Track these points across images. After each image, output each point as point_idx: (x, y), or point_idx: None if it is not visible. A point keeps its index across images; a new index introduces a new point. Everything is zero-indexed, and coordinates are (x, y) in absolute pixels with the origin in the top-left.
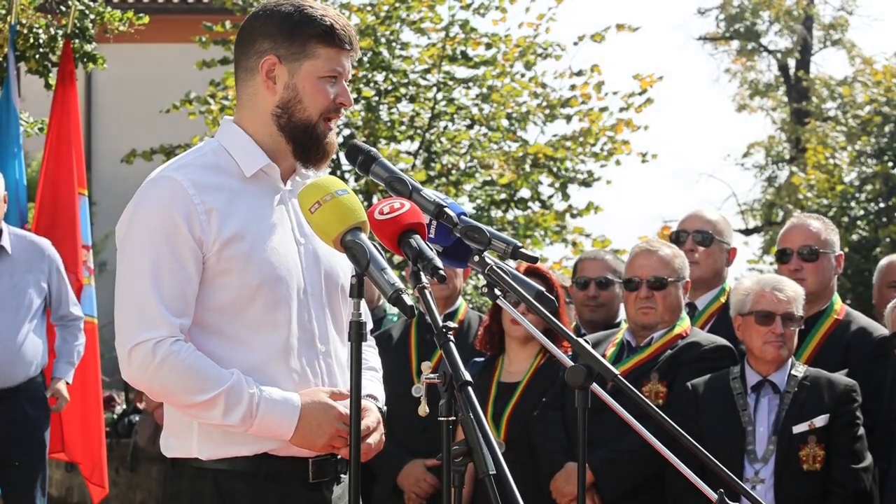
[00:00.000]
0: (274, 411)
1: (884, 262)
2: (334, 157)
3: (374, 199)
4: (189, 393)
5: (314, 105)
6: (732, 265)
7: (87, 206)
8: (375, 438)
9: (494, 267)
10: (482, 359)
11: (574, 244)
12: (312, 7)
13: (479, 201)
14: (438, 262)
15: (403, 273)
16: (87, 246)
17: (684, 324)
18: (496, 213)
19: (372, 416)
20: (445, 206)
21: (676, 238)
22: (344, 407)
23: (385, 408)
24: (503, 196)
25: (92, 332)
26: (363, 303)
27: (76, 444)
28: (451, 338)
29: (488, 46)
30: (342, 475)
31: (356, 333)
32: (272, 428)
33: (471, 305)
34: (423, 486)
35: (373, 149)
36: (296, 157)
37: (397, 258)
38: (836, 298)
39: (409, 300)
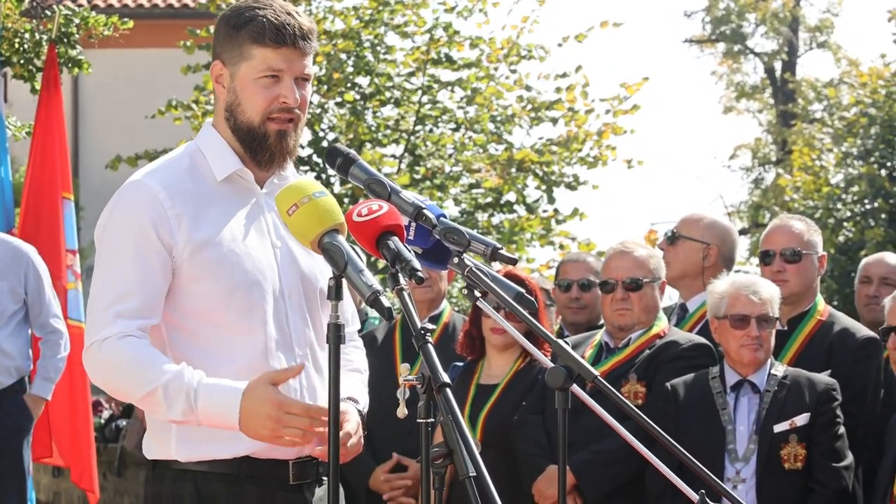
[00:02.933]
0: (213, 403)
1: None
2: (319, 161)
3: None
4: (134, 386)
5: (252, 107)
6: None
7: (72, 211)
8: (353, 441)
9: (474, 268)
10: (462, 363)
11: (561, 247)
12: (256, 7)
13: (464, 205)
14: (416, 264)
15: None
16: (72, 250)
17: (662, 324)
18: (482, 216)
19: (352, 421)
20: (424, 208)
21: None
22: (297, 396)
23: (366, 410)
24: (489, 200)
25: (79, 336)
26: (350, 304)
27: (65, 448)
28: (430, 339)
29: (472, 46)
30: (323, 477)
31: (334, 336)
32: (218, 418)
33: (455, 308)
34: (394, 484)
35: (351, 151)
36: (249, 159)
37: (382, 263)
38: (820, 299)
39: (386, 302)
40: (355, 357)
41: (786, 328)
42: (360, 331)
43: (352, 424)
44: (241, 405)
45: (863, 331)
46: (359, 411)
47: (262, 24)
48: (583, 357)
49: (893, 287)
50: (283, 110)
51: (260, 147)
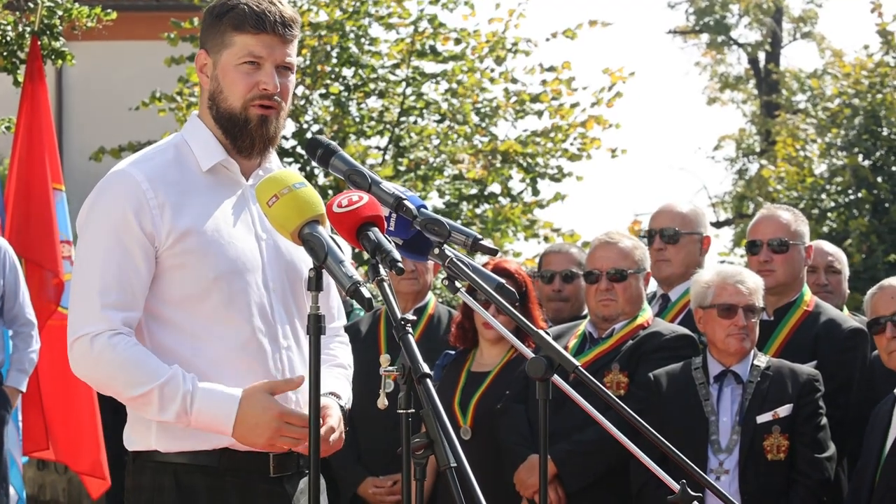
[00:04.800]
0: (210, 409)
1: None
2: (303, 152)
3: None
4: (125, 386)
5: (233, 93)
6: (708, 253)
7: (64, 201)
8: (335, 437)
9: (455, 259)
10: (454, 352)
11: (546, 239)
12: None
13: (448, 196)
14: (397, 255)
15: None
16: (67, 241)
17: (646, 314)
18: (466, 207)
19: (333, 416)
20: (405, 199)
21: (648, 238)
22: (293, 403)
23: (348, 406)
24: (473, 191)
25: None
26: (336, 298)
27: (63, 442)
28: (410, 330)
29: (457, 42)
30: (305, 470)
31: (314, 327)
32: (211, 425)
33: (440, 300)
34: (381, 492)
35: (332, 142)
36: (232, 147)
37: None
38: (806, 290)
39: (367, 293)
40: (340, 352)
41: (772, 318)
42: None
43: (333, 420)
44: (238, 413)
45: (849, 322)
46: (341, 406)
47: (242, 11)
48: (566, 347)
49: (838, 273)
50: (263, 97)
51: (241, 133)
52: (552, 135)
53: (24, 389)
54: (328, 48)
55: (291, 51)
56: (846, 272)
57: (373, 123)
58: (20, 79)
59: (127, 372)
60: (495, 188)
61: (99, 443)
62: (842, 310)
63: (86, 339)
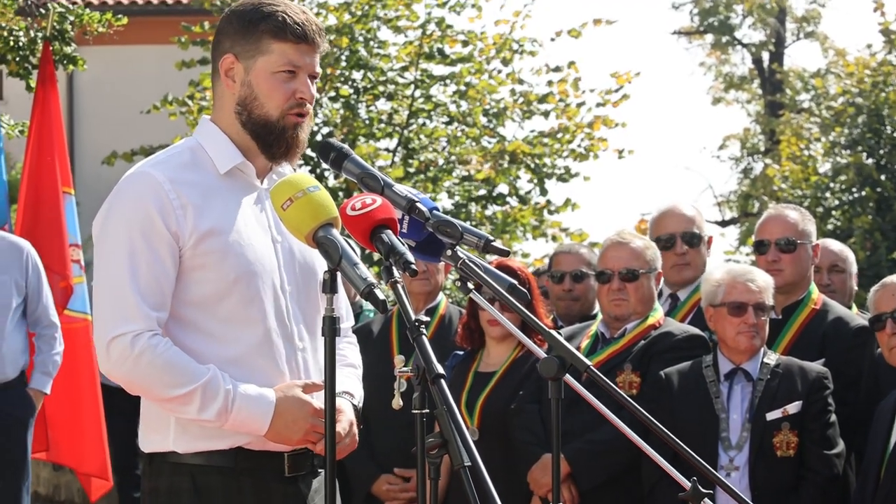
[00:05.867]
0: (249, 407)
1: None
2: (314, 155)
3: None
4: (166, 387)
5: (270, 101)
6: (711, 254)
7: (73, 205)
8: (346, 442)
9: (467, 261)
10: (462, 352)
11: (554, 239)
12: (270, 3)
13: (457, 197)
14: (410, 257)
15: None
16: (76, 244)
17: (657, 314)
18: (475, 208)
19: (345, 419)
20: (417, 202)
21: (666, 243)
22: (319, 401)
23: (361, 405)
24: (482, 192)
25: (86, 330)
26: (344, 299)
27: (64, 444)
28: (424, 331)
29: (465, 44)
30: (319, 469)
31: (329, 329)
32: (247, 423)
33: (451, 300)
34: (395, 489)
35: (344, 145)
36: (262, 153)
37: (378, 255)
38: (814, 288)
39: (381, 295)
40: (349, 352)
41: (780, 317)
42: (355, 324)
43: (343, 424)
44: (275, 411)
45: (856, 320)
46: (354, 406)
47: (282, 20)
48: (579, 347)
49: (842, 272)
50: (300, 105)
51: (277, 140)
52: (559, 135)
53: (48, 392)
54: (337, 52)
55: (318, 60)
56: (852, 270)
57: (382, 125)
58: (32, 84)
59: (169, 373)
60: (503, 189)
61: (104, 444)
62: (850, 308)
63: (125, 338)
